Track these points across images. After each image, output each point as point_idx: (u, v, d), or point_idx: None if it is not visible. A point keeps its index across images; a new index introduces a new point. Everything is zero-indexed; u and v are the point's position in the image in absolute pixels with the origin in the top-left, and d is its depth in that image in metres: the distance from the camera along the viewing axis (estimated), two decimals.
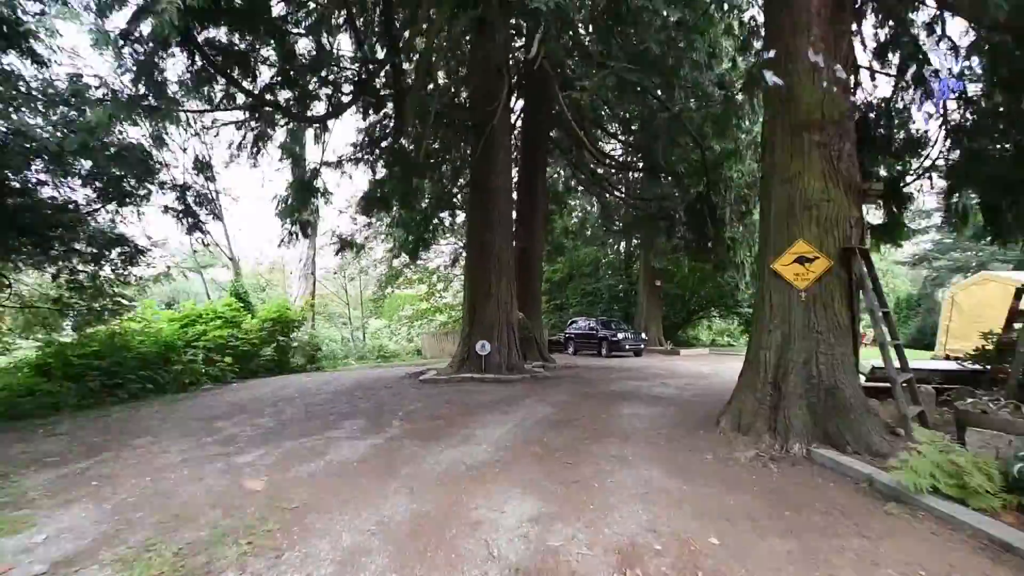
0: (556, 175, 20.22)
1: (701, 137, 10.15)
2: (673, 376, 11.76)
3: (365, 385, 10.21)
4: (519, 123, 15.33)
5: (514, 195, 13.58)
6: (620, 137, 13.95)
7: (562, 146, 14.74)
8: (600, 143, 14.11)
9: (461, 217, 16.19)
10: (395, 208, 13.10)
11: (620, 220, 19.00)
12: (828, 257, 5.29)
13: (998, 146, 6.93)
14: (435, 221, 14.56)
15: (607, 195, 17.69)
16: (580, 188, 20.39)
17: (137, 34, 6.77)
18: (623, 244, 31.11)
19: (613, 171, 16.95)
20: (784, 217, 5.62)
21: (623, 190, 17.31)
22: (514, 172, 14.83)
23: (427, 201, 13.83)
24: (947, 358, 16.90)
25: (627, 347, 19.66)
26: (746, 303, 28.40)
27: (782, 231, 5.62)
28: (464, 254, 13.26)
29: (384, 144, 11.90)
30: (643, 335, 21.00)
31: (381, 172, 12.64)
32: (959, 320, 15.74)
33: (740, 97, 9.39)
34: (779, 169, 5.75)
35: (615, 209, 19.58)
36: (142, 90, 7.16)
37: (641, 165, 12.23)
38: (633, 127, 11.23)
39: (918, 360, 16.74)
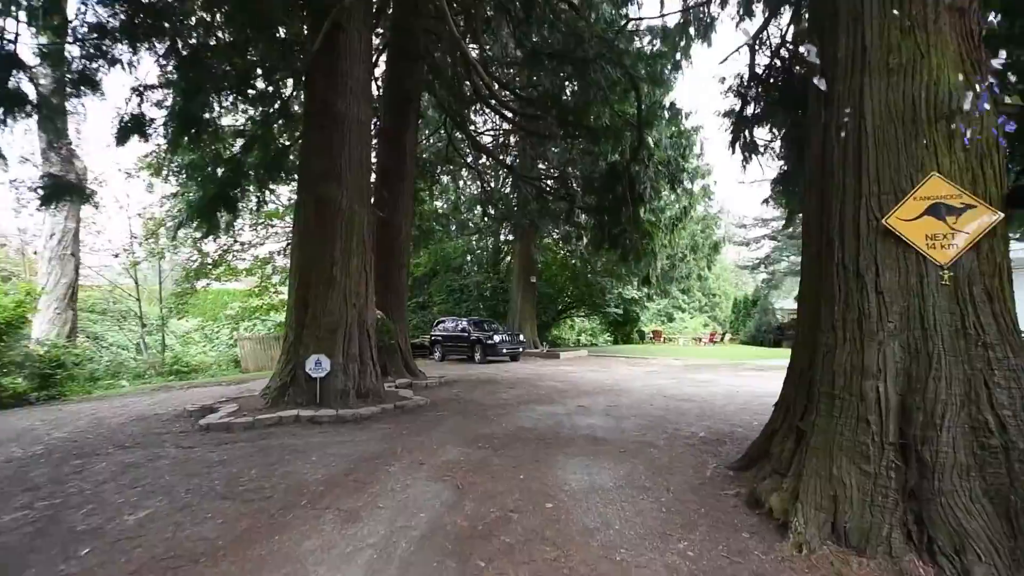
0: (426, 142, 16.66)
1: (636, 77, 7.71)
2: (581, 392, 9.18)
3: (86, 444, 5.54)
4: (384, 57, 11.51)
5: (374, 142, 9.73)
6: (518, 87, 10.97)
7: (439, 95, 11.33)
8: (494, 101, 11.01)
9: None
10: (179, 145, 8.33)
11: (503, 203, 16.14)
12: (988, 205, 2.87)
13: None
14: (251, 177, 9.85)
15: (490, 170, 14.68)
16: (452, 166, 17.10)
17: None
18: (491, 237, 28.74)
19: (501, 137, 13.99)
20: (894, 134, 3.09)
21: (510, 162, 14.48)
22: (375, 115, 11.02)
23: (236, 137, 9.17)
24: None
25: (504, 351, 17.17)
26: (613, 303, 28.18)
27: (889, 158, 3.09)
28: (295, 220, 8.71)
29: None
30: (520, 336, 18.60)
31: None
32: None
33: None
34: (873, 51, 3.23)
35: (496, 191, 16.71)
36: None
37: (544, 121, 9.52)
38: (545, 61, 8.43)
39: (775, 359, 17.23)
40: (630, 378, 11.68)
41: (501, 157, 15.11)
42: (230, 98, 8.09)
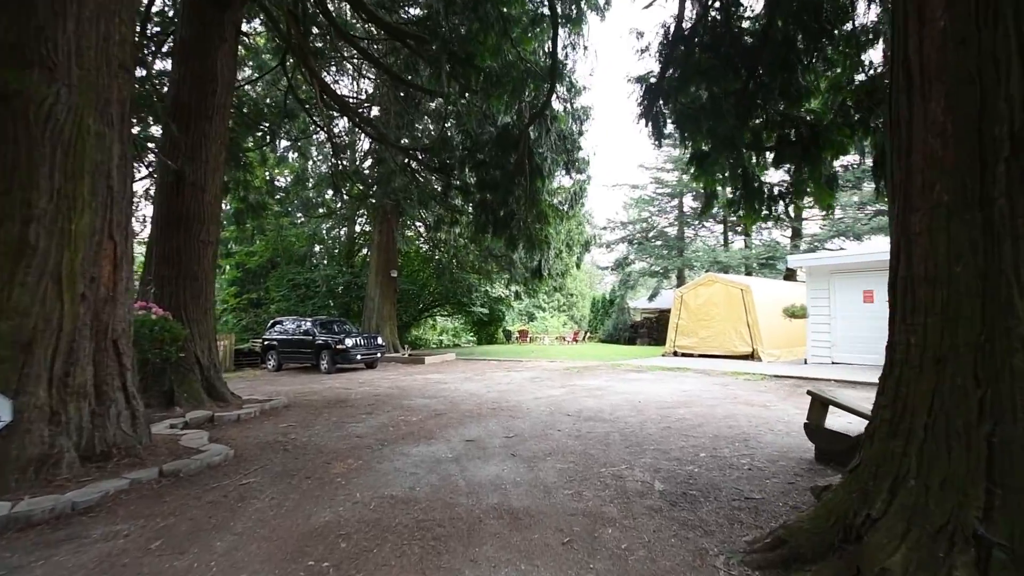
0: (260, 93, 13.01)
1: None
2: (464, 415, 7.07)
3: None
4: None
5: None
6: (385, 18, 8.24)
7: (273, 13, 8.15)
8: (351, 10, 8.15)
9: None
10: None
11: (360, 179, 13.20)
12: None
13: None
14: None
15: (346, 143, 11.76)
16: (293, 124, 13.61)
17: None
18: (344, 225, 25.15)
19: (362, 109, 11.21)
20: None
21: (373, 126, 11.70)
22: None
23: None
24: (675, 354, 18.04)
25: (358, 357, 14.39)
26: (480, 301, 26.55)
27: None
28: None
29: None
30: (379, 340, 15.82)
31: None
32: (687, 318, 16.52)
33: None
34: None
35: (352, 165, 13.74)
36: None
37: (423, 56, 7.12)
38: None
39: (680, 359, 17.19)
40: (515, 389, 9.93)
41: (361, 116, 12.17)
42: None
